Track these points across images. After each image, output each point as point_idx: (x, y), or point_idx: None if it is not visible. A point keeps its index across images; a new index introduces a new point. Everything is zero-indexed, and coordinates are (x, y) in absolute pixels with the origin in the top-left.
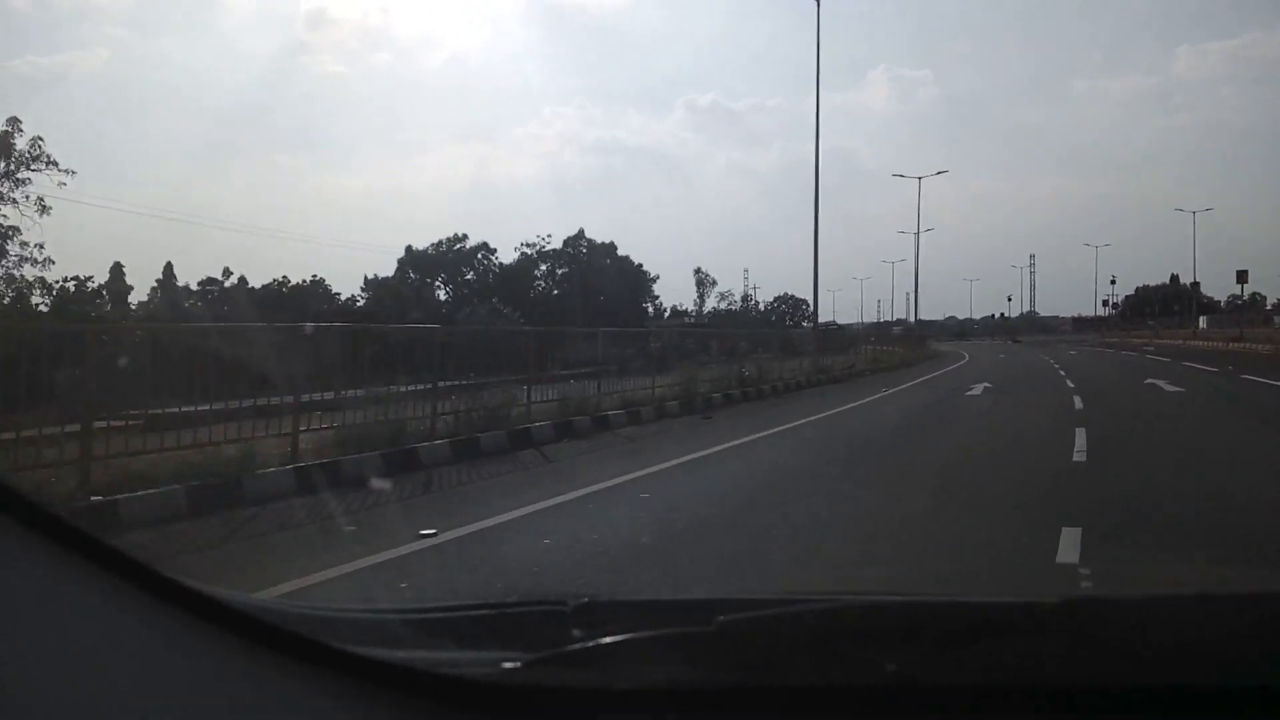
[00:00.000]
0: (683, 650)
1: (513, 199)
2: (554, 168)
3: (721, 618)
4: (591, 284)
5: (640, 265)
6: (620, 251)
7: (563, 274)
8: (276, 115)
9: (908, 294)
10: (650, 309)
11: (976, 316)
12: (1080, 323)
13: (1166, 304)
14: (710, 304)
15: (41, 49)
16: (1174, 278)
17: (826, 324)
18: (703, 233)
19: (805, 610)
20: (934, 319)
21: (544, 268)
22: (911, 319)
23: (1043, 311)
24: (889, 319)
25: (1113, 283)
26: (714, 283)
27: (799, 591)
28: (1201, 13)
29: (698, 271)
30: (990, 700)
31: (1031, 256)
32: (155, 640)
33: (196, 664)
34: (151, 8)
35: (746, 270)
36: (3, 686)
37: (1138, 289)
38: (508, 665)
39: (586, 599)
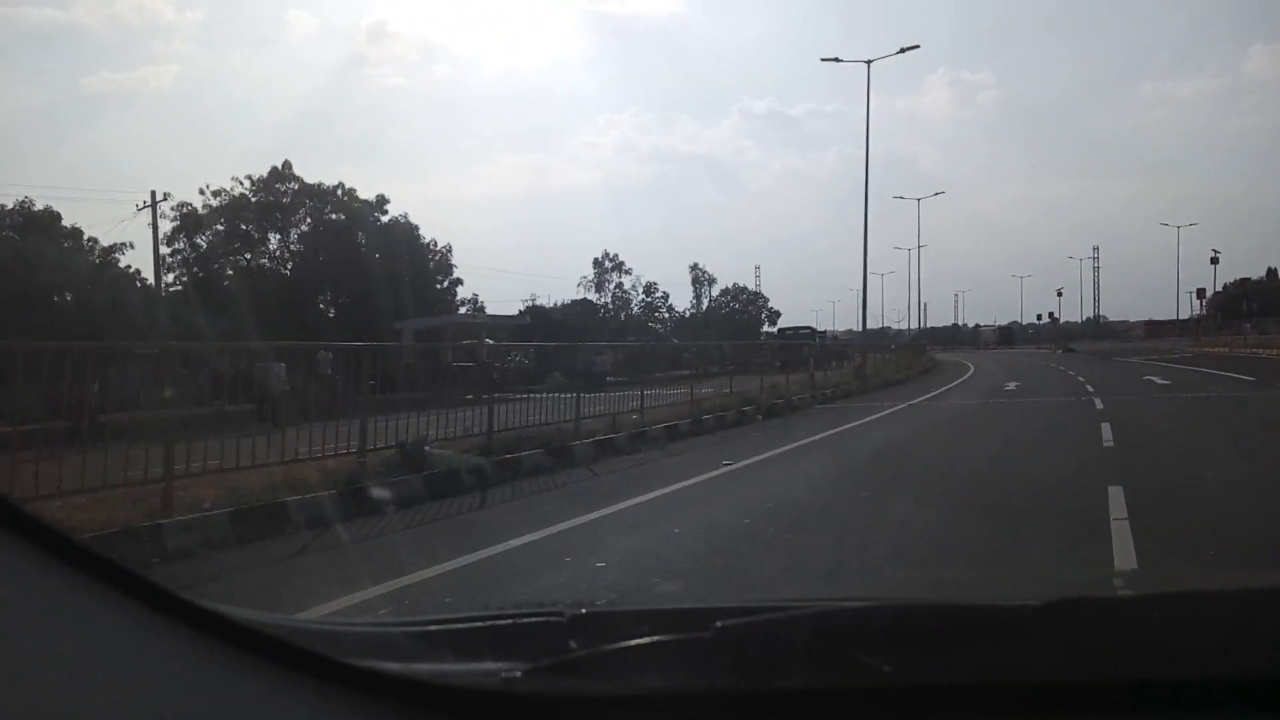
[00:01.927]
0: (680, 657)
1: (570, 207)
2: (609, 176)
3: (718, 623)
4: (311, 265)
5: (416, 229)
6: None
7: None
8: (339, 127)
9: (957, 293)
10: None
11: (1037, 320)
12: (1155, 327)
13: (1267, 301)
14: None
15: (117, 66)
16: (1272, 271)
17: (795, 329)
18: (757, 239)
19: (800, 615)
20: (987, 323)
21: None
22: (988, 324)
23: (1110, 316)
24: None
25: (1215, 261)
26: (712, 280)
27: (793, 598)
28: (1274, 10)
29: (694, 268)
30: (982, 699)
31: (1095, 248)
32: (157, 655)
33: (198, 679)
34: (219, 24)
35: (758, 267)
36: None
37: (1226, 286)
38: (507, 675)
39: (584, 609)
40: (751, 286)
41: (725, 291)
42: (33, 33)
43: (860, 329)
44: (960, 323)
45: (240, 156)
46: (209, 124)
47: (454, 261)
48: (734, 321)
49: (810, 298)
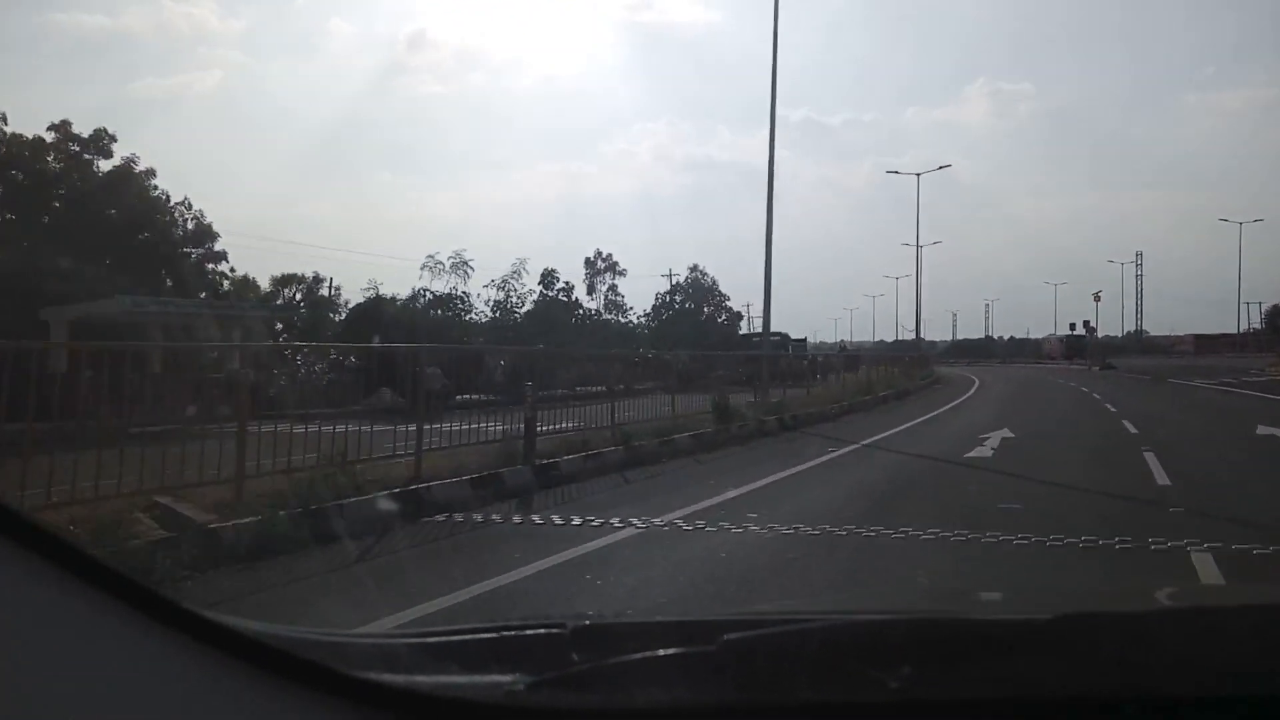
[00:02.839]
0: (686, 670)
1: (604, 216)
2: (645, 185)
3: (724, 637)
4: None
5: (151, 179)
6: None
7: None
8: (378, 133)
9: (987, 303)
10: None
11: (1071, 329)
12: (1206, 341)
13: None
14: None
15: (161, 72)
16: None
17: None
18: (787, 246)
19: (808, 628)
20: (1021, 336)
21: None
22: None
23: (1149, 330)
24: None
25: None
26: (714, 283)
27: (800, 611)
28: None
29: (693, 269)
30: (991, 714)
31: (1138, 254)
32: (160, 666)
33: (201, 689)
34: (262, 31)
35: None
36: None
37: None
38: (510, 687)
39: (587, 621)
40: (761, 292)
41: (677, 288)
42: (84, 39)
43: (882, 339)
44: (992, 334)
45: (279, 161)
46: (250, 130)
47: (216, 229)
48: (689, 323)
49: (831, 306)
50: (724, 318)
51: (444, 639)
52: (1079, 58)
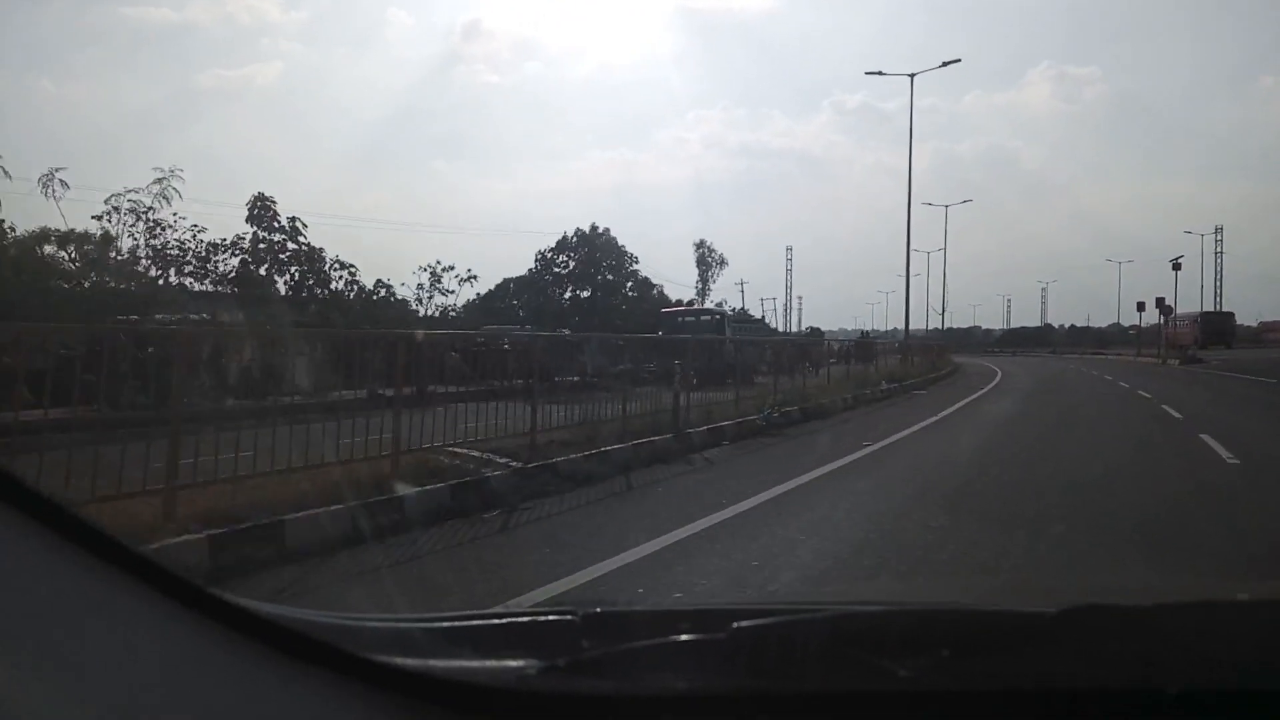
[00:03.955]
0: (696, 657)
1: (657, 203)
2: (698, 172)
3: (734, 625)
4: None
5: None
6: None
7: None
8: (433, 122)
9: (1043, 286)
10: None
11: (1139, 310)
12: None
13: None
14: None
15: (227, 63)
16: None
17: (691, 312)
18: (846, 234)
19: (817, 618)
20: (1082, 324)
21: None
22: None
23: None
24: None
25: None
26: (723, 262)
27: (810, 600)
28: None
29: (699, 246)
30: (997, 706)
31: (1218, 228)
32: (179, 646)
33: (218, 670)
34: (322, 23)
35: (790, 248)
36: (19, 687)
37: None
38: (522, 673)
39: (598, 608)
40: (783, 272)
41: (563, 244)
42: (152, 32)
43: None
44: (1050, 322)
45: (338, 150)
46: (309, 119)
47: None
48: (576, 288)
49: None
50: (630, 285)
51: (457, 624)
52: (1148, 40)
